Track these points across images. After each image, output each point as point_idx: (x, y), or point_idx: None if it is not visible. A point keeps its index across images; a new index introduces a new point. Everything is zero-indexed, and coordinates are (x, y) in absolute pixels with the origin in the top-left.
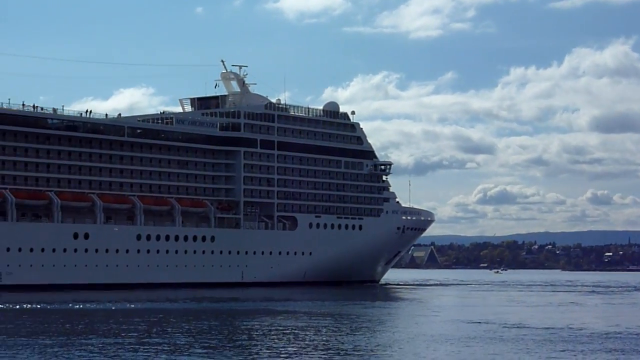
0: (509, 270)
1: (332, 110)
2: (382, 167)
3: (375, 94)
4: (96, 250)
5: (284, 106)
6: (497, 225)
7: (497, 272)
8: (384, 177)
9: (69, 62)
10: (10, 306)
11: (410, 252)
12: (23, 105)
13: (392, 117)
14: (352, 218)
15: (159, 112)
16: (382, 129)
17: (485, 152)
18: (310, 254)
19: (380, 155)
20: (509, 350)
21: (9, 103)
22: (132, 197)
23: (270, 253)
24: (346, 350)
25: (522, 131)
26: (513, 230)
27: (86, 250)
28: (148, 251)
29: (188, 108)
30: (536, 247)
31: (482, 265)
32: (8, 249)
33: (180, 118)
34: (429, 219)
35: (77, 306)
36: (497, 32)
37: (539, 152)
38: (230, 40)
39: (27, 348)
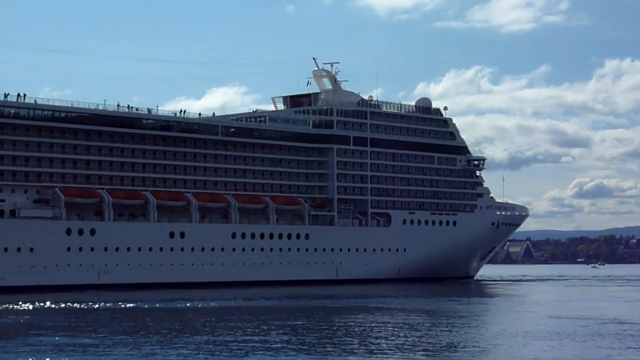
0: (606, 265)
1: (424, 106)
2: (476, 162)
3: (468, 88)
4: (192, 249)
5: (376, 103)
6: (594, 220)
7: (595, 267)
8: (478, 173)
9: (162, 63)
10: (108, 305)
11: (505, 248)
12: (118, 106)
13: (486, 111)
14: (446, 214)
15: (251, 111)
16: (476, 123)
17: (581, 145)
18: (405, 250)
19: (474, 151)
20: (608, 346)
21: (104, 104)
22: (226, 195)
23: (365, 250)
24: (442, 347)
25: (618, 124)
26: (610, 224)
27: (182, 249)
28: (243, 249)
29: (280, 106)
30: (634, 241)
31: (579, 260)
32: (105, 249)
33: (273, 116)
34: (524, 214)
35: (173, 305)
36: (591, 24)
37: (636, 145)
38: (321, 37)
39: (125, 347)
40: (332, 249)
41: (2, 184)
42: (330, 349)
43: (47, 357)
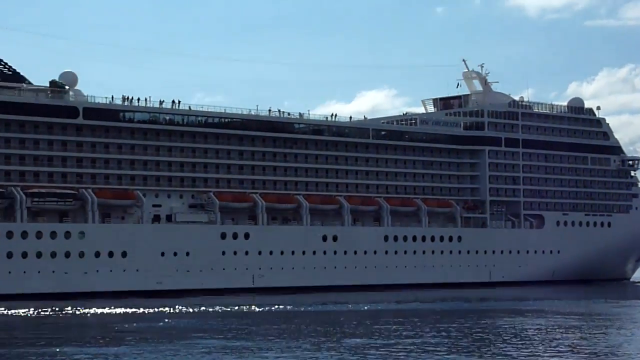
0: None
1: (577, 106)
2: (630, 162)
3: (622, 87)
4: (344, 252)
5: (528, 103)
6: None
7: None
8: (633, 173)
9: (313, 67)
10: (263, 309)
11: None
12: (269, 111)
13: None
14: (600, 215)
15: (402, 114)
16: (630, 123)
17: None
18: (559, 252)
19: (629, 151)
20: None
21: (257, 109)
22: (378, 198)
23: (518, 252)
24: (598, 351)
25: None
26: None
27: (335, 252)
28: (395, 252)
29: (430, 108)
30: None
31: None
32: (260, 252)
33: (423, 119)
34: None
35: (326, 308)
36: None
37: None
38: (471, 39)
39: (279, 350)
40: (485, 251)
41: (159, 190)
42: (484, 352)
43: None
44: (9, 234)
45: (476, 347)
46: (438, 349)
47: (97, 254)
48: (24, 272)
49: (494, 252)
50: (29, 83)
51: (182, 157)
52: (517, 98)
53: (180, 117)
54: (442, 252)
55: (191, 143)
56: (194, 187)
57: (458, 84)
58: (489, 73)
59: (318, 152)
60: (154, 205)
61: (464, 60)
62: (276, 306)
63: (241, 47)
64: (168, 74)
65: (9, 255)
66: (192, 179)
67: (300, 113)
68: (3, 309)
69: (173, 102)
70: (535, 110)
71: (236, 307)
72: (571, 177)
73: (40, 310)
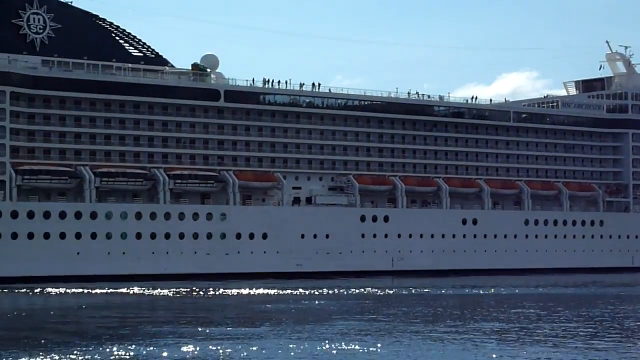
0: None
1: None
2: None
3: None
4: (484, 236)
5: None
6: None
7: None
8: None
9: (452, 49)
10: (402, 291)
11: None
12: (409, 93)
13: None
14: None
15: (543, 96)
16: None
17: None
18: None
19: None
20: None
21: (396, 92)
22: (518, 182)
23: None
24: None
25: None
26: None
27: (474, 236)
28: (536, 236)
29: (572, 91)
30: None
31: None
32: (399, 235)
33: (565, 101)
34: None
35: (465, 292)
36: None
37: None
38: (614, 20)
39: (416, 333)
40: (628, 236)
41: (299, 172)
42: (625, 338)
43: (339, 342)
44: (152, 215)
45: (617, 333)
46: (578, 334)
47: (238, 236)
48: (167, 252)
49: (637, 236)
50: (172, 66)
51: (322, 140)
52: None
53: (320, 100)
54: (583, 236)
55: (331, 126)
56: (334, 169)
57: (601, 66)
58: (633, 55)
59: (458, 135)
60: (294, 188)
61: (607, 41)
62: (415, 289)
63: (380, 29)
64: (308, 56)
65: (152, 236)
66: (332, 162)
67: (440, 96)
68: (146, 288)
69: (313, 84)
70: None
71: (374, 290)
72: None
73: (182, 290)
